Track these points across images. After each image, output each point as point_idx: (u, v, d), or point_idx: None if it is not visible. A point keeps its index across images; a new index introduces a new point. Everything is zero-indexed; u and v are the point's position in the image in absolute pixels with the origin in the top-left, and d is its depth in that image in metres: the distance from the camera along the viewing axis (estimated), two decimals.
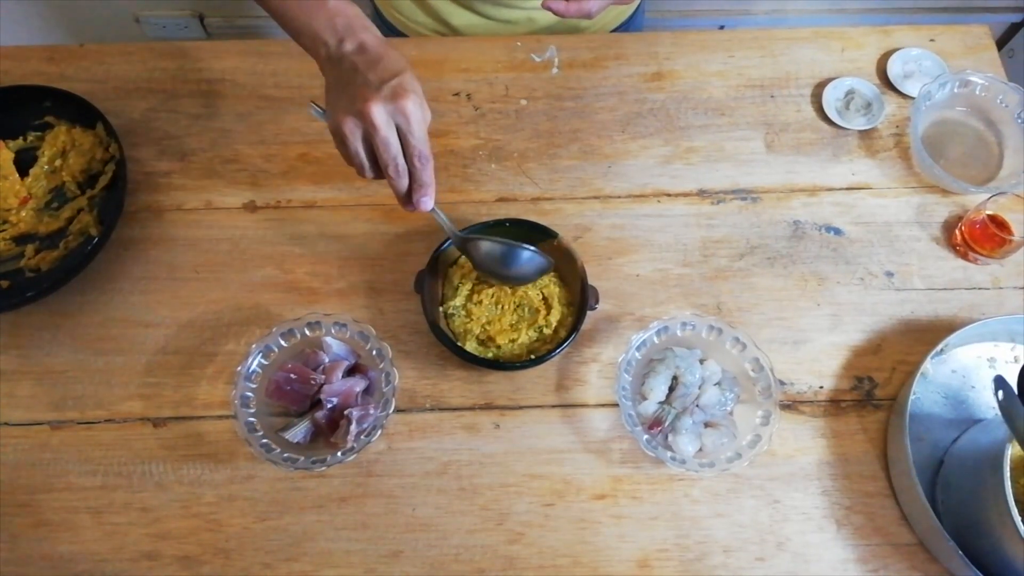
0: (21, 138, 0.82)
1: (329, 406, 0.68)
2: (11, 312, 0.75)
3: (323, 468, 0.66)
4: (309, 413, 0.69)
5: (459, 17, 0.96)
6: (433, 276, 0.73)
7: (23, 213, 0.78)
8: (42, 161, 0.80)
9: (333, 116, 0.59)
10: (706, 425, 0.69)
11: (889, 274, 0.79)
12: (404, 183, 0.62)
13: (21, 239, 0.78)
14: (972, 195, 0.82)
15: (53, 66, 0.87)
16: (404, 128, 0.58)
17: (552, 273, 0.75)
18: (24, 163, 0.81)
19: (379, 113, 0.57)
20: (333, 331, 0.71)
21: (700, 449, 0.68)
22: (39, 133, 0.82)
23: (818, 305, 0.77)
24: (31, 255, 0.76)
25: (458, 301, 0.73)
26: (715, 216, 0.82)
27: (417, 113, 0.58)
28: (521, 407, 0.72)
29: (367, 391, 0.70)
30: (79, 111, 0.80)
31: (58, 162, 0.80)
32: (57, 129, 0.81)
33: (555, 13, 0.72)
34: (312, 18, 0.61)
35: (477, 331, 0.72)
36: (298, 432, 0.67)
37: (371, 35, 0.61)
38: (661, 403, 0.70)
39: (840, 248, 0.80)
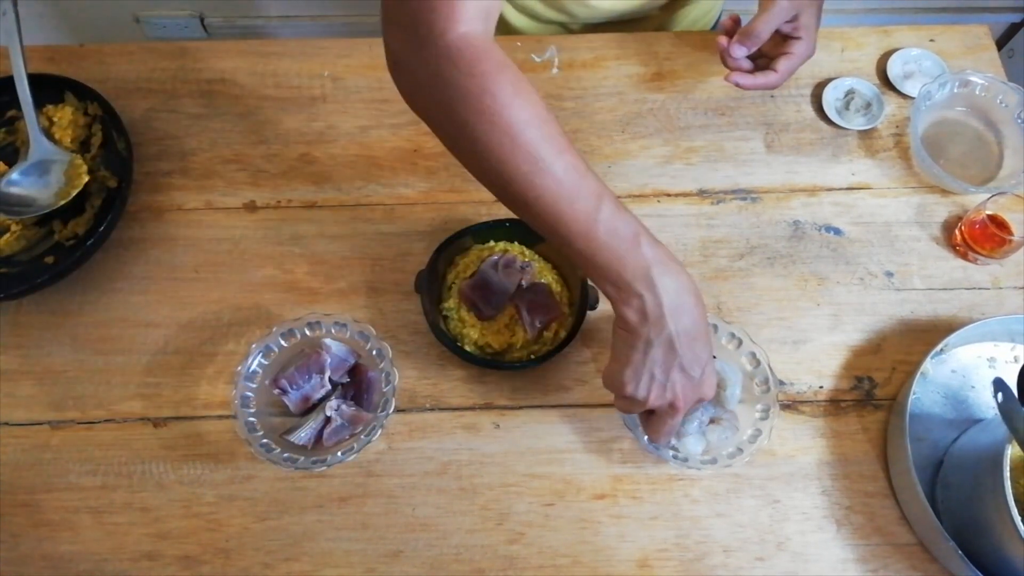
0: None
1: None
2: (11, 312, 0.75)
3: (323, 468, 0.66)
4: (312, 414, 0.69)
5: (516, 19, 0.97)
6: (433, 276, 0.73)
7: None
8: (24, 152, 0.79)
9: (640, 388, 0.57)
10: (711, 421, 0.69)
11: (889, 274, 0.79)
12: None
13: (43, 220, 0.77)
14: (972, 195, 0.82)
15: (53, 66, 0.87)
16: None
17: (553, 272, 0.75)
18: (8, 160, 0.80)
19: (687, 405, 0.59)
20: (333, 331, 0.71)
21: (705, 445, 0.68)
22: (8, 128, 0.81)
23: (818, 305, 0.77)
24: (61, 228, 0.77)
25: (451, 303, 0.73)
26: (715, 216, 0.82)
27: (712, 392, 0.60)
28: (521, 407, 0.72)
29: (367, 391, 0.70)
30: (40, 90, 0.78)
31: None
32: (21, 121, 0.79)
33: (739, 86, 0.77)
34: (624, 265, 0.54)
35: (475, 336, 0.72)
36: (302, 434, 0.67)
37: (689, 293, 0.55)
38: None
39: (840, 248, 0.80)
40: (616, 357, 0.58)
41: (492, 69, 0.52)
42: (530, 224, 0.56)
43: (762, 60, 0.79)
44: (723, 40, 0.77)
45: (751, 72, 0.78)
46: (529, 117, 0.52)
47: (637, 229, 0.54)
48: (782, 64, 0.76)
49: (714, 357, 0.70)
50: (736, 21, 0.78)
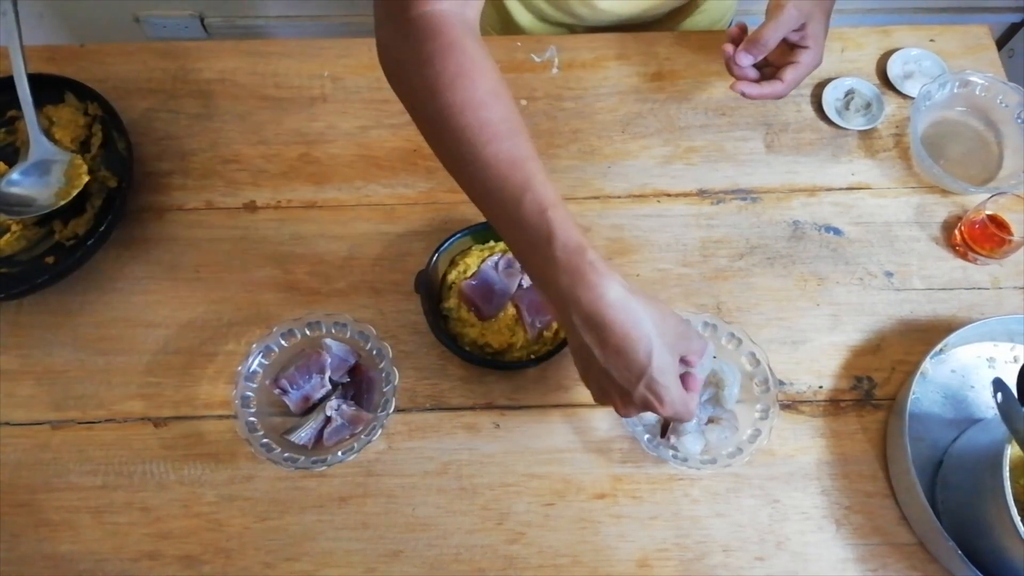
0: None
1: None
2: (12, 312, 0.75)
3: (323, 468, 0.66)
4: (312, 414, 0.69)
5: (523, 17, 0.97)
6: (433, 276, 0.73)
7: None
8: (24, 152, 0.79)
9: (581, 374, 0.57)
10: (709, 421, 0.69)
11: (889, 274, 0.79)
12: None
13: (44, 220, 0.77)
14: (972, 195, 0.82)
15: (53, 66, 0.87)
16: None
17: None
18: (8, 160, 0.80)
19: (628, 414, 0.56)
20: (333, 331, 0.71)
21: (704, 445, 0.68)
22: (8, 128, 0.81)
23: (817, 305, 0.77)
24: (61, 228, 0.77)
25: (451, 303, 0.73)
26: (715, 216, 0.82)
27: (671, 409, 0.53)
28: (521, 407, 0.72)
29: (367, 391, 0.70)
30: (41, 90, 0.78)
31: None
32: (21, 121, 0.79)
33: (744, 95, 0.76)
34: (539, 267, 0.51)
35: (475, 336, 0.72)
36: (303, 434, 0.68)
37: (604, 305, 0.49)
38: None
39: (840, 248, 0.80)
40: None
41: (442, 48, 0.51)
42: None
43: (768, 69, 0.78)
44: (729, 48, 0.76)
45: (757, 81, 0.77)
46: (466, 101, 0.50)
47: (552, 233, 0.49)
48: (788, 74, 0.75)
49: (714, 357, 0.70)
50: (743, 29, 0.77)
